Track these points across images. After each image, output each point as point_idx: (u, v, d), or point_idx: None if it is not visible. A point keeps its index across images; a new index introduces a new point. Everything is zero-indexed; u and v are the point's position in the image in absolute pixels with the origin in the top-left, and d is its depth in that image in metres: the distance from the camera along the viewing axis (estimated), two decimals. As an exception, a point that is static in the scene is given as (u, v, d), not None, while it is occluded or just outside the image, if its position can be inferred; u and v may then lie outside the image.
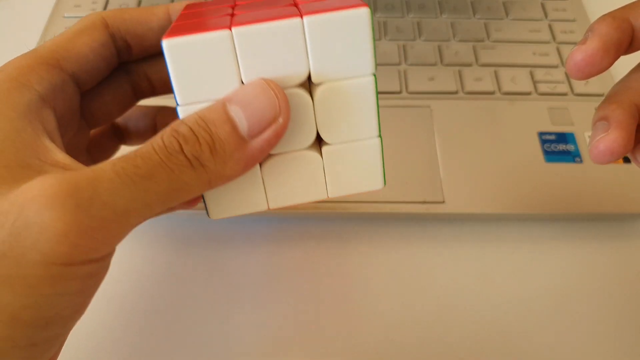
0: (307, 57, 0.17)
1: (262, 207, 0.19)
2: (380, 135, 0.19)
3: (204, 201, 0.19)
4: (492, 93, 0.35)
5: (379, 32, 0.38)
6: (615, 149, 0.19)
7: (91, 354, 0.27)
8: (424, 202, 0.30)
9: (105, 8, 0.39)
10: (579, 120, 0.34)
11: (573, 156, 0.32)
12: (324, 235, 0.31)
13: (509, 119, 0.34)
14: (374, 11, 0.39)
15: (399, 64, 0.37)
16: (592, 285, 0.29)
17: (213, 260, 0.30)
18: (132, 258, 0.30)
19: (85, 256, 0.14)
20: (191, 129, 0.16)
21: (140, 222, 0.16)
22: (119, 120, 0.25)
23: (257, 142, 0.16)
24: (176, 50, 0.16)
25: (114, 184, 0.14)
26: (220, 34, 0.16)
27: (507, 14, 0.40)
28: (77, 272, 0.14)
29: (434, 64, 0.37)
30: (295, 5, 0.18)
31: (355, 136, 0.18)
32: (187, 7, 0.20)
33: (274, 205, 0.19)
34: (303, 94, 0.17)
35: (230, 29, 0.16)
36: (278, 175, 0.19)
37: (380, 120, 0.18)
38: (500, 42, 0.38)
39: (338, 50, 0.17)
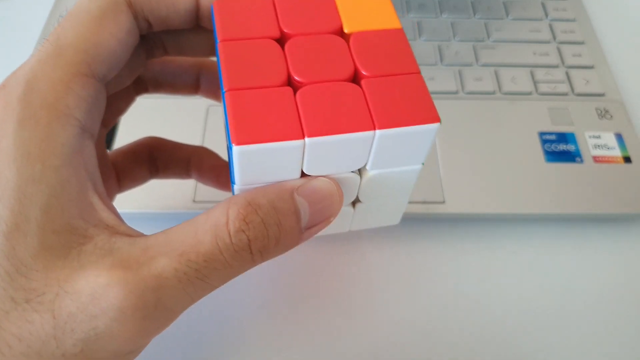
0: (369, 156, 0.17)
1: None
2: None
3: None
4: (493, 93, 0.35)
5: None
6: None
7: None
8: (424, 202, 0.30)
9: (105, 8, 0.39)
10: (580, 120, 0.34)
11: (573, 156, 0.32)
12: (323, 236, 0.31)
13: (509, 119, 0.34)
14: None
15: (399, 63, 0.36)
16: (592, 285, 0.29)
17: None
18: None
19: (144, 344, 0.16)
20: (263, 221, 0.15)
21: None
22: (153, 75, 0.24)
23: (308, 233, 0.17)
24: (247, 155, 0.15)
25: (176, 291, 0.15)
26: (295, 144, 0.15)
27: (507, 14, 0.40)
28: (136, 353, 0.16)
29: (434, 64, 0.37)
30: (358, 78, 0.17)
31: (390, 200, 0.20)
32: (224, 23, 0.18)
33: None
34: (354, 176, 0.18)
35: (304, 137, 0.15)
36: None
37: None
38: (501, 41, 0.38)
39: (398, 150, 0.17)
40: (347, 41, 0.18)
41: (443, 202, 0.30)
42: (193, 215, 0.29)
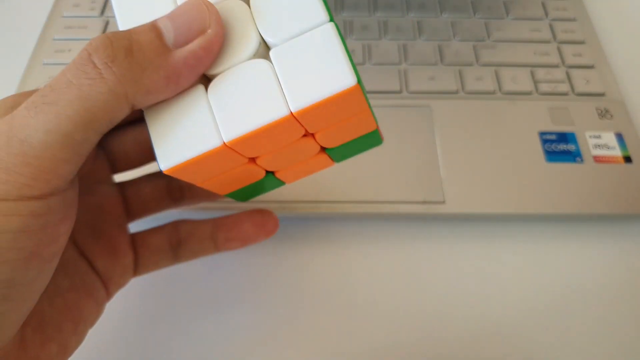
0: None
1: (215, 141, 0.16)
2: (332, 20, 0.16)
3: (154, 153, 0.16)
4: (493, 93, 0.35)
5: (379, 31, 0.38)
6: None
7: (89, 354, 0.27)
8: (424, 202, 0.30)
9: (103, 8, 0.39)
10: (580, 120, 0.34)
11: (574, 156, 0.32)
12: (323, 235, 0.31)
13: (509, 118, 0.34)
14: (374, 10, 0.39)
15: (399, 63, 0.36)
16: (592, 285, 0.29)
17: (212, 260, 0.30)
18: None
19: (17, 192, 0.14)
20: (108, 36, 0.15)
21: (73, 157, 0.15)
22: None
23: (182, 52, 0.15)
24: None
25: (25, 119, 0.14)
26: None
27: (507, 13, 0.40)
28: (15, 208, 0.14)
29: (435, 64, 0.37)
30: None
31: (302, 27, 0.16)
32: None
33: (228, 136, 0.16)
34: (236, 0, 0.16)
35: None
36: (227, 96, 0.16)
37: (355, 64, 0.17)
38: (501, 41, 0.38)
39: None
40: None
41: (443, 202, 0.30)
42: (193, 215, 0.30)
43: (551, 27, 0.39)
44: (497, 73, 0.36)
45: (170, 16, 0.16)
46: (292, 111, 0.15)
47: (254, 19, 0.16)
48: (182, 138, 0.16)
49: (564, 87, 0.35)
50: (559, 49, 0.38)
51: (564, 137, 0.33)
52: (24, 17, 0.41)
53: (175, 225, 0.25)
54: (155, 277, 0.29)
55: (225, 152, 0.16)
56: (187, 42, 0.15)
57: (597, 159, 0.32)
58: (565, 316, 0.28)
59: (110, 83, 0.14)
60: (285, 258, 0.30)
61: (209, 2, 0.16)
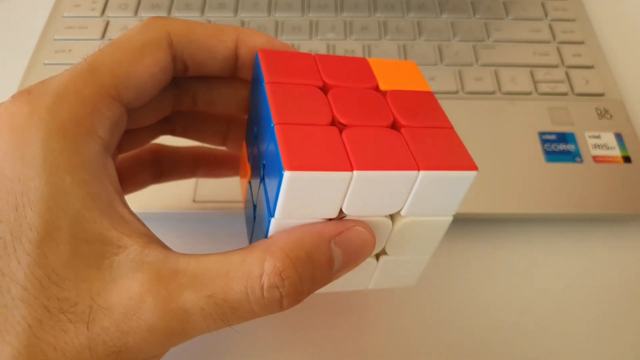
0: (407, 199, 0.17)
1: None
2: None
3: None
4: (493, 93, 0.35)
5: (379, 31, 0.38)
6: None
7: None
8: (424, 202, 0.30)
9: (104, 8, 0.39)
10: (579, 120, 0.34)
11: (573, 156, 0.32)
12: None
13: (509, 118, 0.34)
14: (374, 11, 0.39)
15: (399, 63, 0.37)
16: (592, 285, 0.29)
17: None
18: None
19: (165, 352, 0.17)
20: (299, 277, 0.16)
21: None
22: (183, 120, 0.24)
23: (335, 276, 0.17)
24: (296, 181, 0.15)
25: (199, 325, 0.15)
26: (344, 175, 0.15)
27: (507, 14, 0.40)
28: (159, 357, 0.17)
29: (434, 64, 0.37)
30: (397, 126, 0.18)
31: (414, 254, 0.20)
32: (270, 69, 0.18)
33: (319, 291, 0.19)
34: (387, 221, 0.18)
35: (352, 170, 0.15)
36: None
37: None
38: (501, 41, 0.38)
39: (435, 196, 0.17)
40: (384, 96, 0.19)
41: (443, 202, 0.30)
42: (193, 215, 0.30)
43: (551, 28, 0.39)
44: (497, 73, 0.36)
45: (344, 247, 0.17)
46: (369, 288, 0.21)
47: (389, 236, 0.19)
48: None
49: (564, 88, 0.36)
50: (558, 49, 0.38)
51: (563, 137, 0.33)
52: (24, 17, 0.41)
53: (154, 152, 0.25)
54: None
55: None
56: (342, 269, 0.17)
57: (597, 159, 0.32)
58: (565, 316, 0.28)
59: (284, 309, 0.16)
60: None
61: (374, 238, 0.17)
